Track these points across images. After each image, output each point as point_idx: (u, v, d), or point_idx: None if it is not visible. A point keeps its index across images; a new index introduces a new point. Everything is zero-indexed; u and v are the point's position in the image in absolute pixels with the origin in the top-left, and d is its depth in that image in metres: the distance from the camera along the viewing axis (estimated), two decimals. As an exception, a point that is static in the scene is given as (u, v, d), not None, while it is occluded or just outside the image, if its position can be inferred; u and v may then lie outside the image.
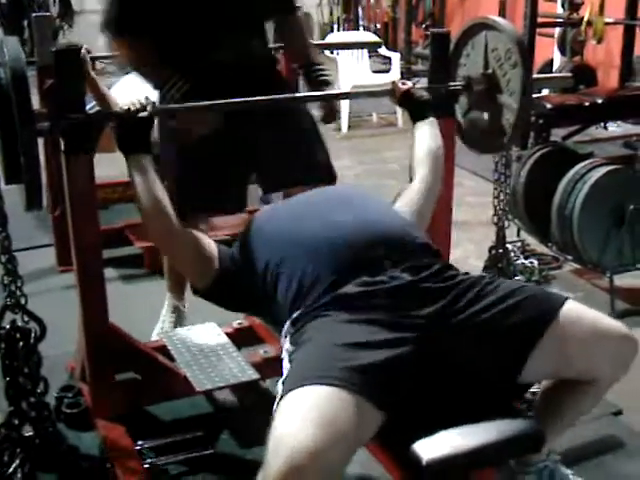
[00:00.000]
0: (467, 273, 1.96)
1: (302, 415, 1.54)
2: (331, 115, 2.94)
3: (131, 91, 3.60)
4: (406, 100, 2.48)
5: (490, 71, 2.61)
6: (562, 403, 1.91)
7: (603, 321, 1.85)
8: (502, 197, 3.00)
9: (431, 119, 2.45)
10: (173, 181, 2.58)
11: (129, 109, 2.13)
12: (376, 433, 1.68)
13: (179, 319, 3.04)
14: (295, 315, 1.86)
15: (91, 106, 2.88)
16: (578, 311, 1.85)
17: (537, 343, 1.78)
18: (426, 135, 2.40)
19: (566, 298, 1.86)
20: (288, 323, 1.88)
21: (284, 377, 1.73)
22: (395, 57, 7.46)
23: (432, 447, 1.65)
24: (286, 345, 1.86)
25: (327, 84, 2.85)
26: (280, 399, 1.63)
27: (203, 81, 2.54)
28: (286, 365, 1.81)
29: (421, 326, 1.76)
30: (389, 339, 1.72)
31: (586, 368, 1.82)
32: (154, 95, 2.32)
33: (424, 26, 9.51)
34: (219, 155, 2.66)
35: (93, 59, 3.70)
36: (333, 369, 1.63)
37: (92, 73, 3.67)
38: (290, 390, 1.62)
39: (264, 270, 1.97)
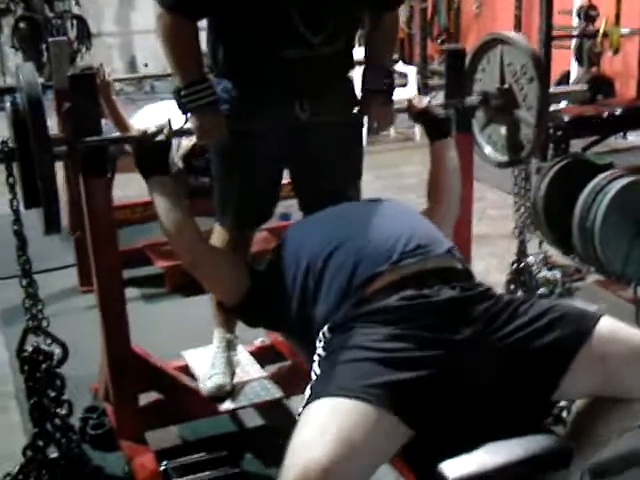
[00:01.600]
0: (503, 294, 1.96)
1: (322, 427, 1.55)
2: (386, 124, 2.56)
3: (153, 119, 3.64)
4: (423, 118, 2.48)
5: (506, 86, 2.60)
6: (599, 422, 1.86)
7: None
8: (523, 210, 2.99)
9: (448, 140, 2.44)
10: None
11: (146, 132, 2.16)
12: (402, 450, 1.67)
13: (232, 355, 2.69)
14: (335, 320, 1.85)
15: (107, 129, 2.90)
16: (614, 329, 1.79)
17: (570, 364, 1.74)
18: (443, 160, 2.40)
19: (600, 316, 1.80)
20: (326, 328, 1.86)
21: (312, 383, 1.74)
22: (411, 72, 7.46)
23: (458, 466, 1.64)
24: (319, 350, 1.85)
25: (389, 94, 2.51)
26: (305, 405, 1.64)
27: (266, 81, 2.34)
28: (316, 370, 1.80)
29: (456, 346, 1.74)
30: (422, 356, 1.71)
31: (626, 387, 1.77)
32: (175, 119, 2.29)
33: (439, 41, 9.51)
34: (255, 173, 2.47)
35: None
36: (362, 383, 1.63)
37: (114, 97, 3.72)
38: (316, 398, 1.63)
39: (305, 276, 1.96)
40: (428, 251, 1.93)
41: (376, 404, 1.60)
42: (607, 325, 1.79)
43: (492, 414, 1.73)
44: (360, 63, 2.57)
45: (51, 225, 2.12)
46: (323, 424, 1.56)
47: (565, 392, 1.79)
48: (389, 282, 1.86)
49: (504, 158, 2.74)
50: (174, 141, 2.56)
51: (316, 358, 1.84)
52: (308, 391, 1.70)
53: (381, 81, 2.48)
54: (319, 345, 1.86)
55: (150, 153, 2.15)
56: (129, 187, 3.87)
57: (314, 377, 1.78)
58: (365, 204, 2.24)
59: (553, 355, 1.76)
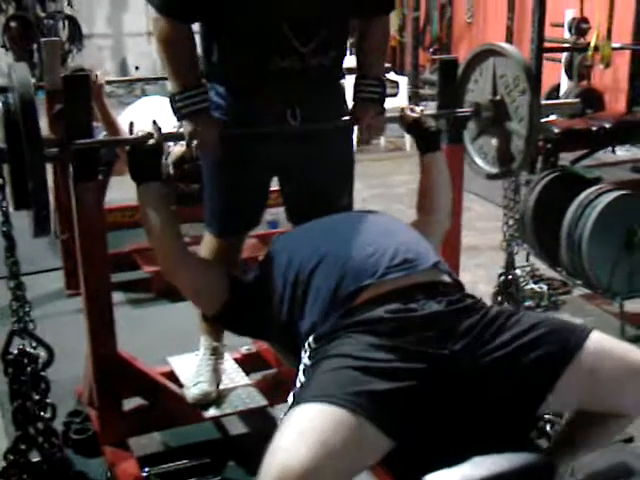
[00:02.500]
0: (492, 306, 1.96)
1: (301, 433, 1.55)
2: (376, 134, 2.52)
3: (142, 117, 3.62)
4: (415, 129, 2.47)
5: (498, 97, 2.61)
6: (584, 434, 1.87)
7: (632, 355, 1.78)
8: (511, 222, 2.99)
9: (439, 153, 2.44)
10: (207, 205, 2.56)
11: (137, 137, 2.15)
12: (385, 461, 1.67)
13: (218, 363, 2.67)
14: (321, 331, 1.86)
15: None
16: (604, 343, 1.79)
17: (559, 378, 1.73)
18: (434, 172, 2.41)
19: (590, 331, 1.80)
20: (311, 338, 1.87)
21: (296, 390, 1.74)
22: (403, 82, 7.48)
23: (441, 479, 1.63)
24: (304, 359, 1.85)
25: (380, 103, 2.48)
26: (287, 411, 1.65)
27: (258, 89, 2.33)
28: (300, 378, 1.81)
29: (443, 359, 1.74)
30: (409, 368, 1.71)
31: (614, 403, 1.77)
32: (165, 122, 2.28)
33: (431, 50, 9.55)
34: (245, 180, 2.46)
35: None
36: (345, 391, 1.63)
37: (105, 100, 3.70)
38: (298, 404, 1.63)
39: (293, 287, 1.96)
40: (414, 265, 1.93)
41: (356, 412, 1.59)
42: (597, 339, 1.79)
43: (476, 428, 1.73)
44: (352, 71, 2.57)
45: (41, 227, 2.10)
46: (301, 429, 1.56)
47: (552, 405, 1.79)
48: (375, 295, 1.86)
49: (495, 170, 2.75)
50: (165, 147, 2.54)
51: (301, 367, 1.85)
52: (291, 398, 1.71)
53: (373, 90, 2.47)
54: (304, 355, 1.86)
55: (142, 159, 2.15)
56: (128, 190, 3.85)
57: (298, 385, 1.78)
58: (354, 216, 2.24)
59: (542, 369, 1.75)
